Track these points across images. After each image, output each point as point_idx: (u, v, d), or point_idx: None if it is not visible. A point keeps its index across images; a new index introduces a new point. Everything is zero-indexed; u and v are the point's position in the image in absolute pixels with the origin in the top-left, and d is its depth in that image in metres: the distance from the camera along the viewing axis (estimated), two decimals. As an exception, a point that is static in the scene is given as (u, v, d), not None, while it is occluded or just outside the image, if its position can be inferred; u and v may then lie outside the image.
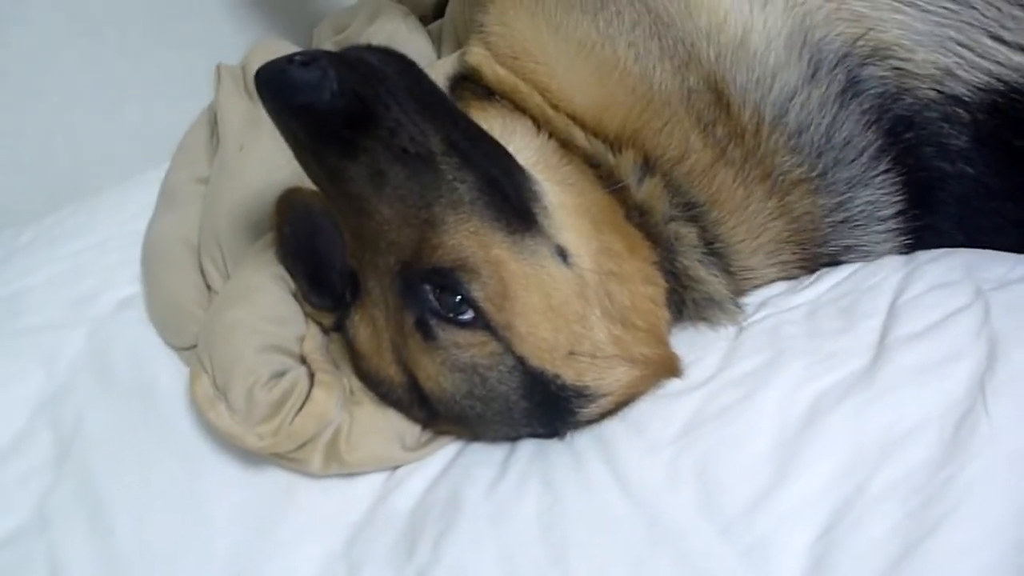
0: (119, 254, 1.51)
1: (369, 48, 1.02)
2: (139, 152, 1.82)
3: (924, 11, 1.17)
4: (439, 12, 1.77)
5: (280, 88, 0.94)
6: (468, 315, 1.05)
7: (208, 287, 1.33)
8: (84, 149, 1.89)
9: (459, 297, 1.04)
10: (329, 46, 1.68)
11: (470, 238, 1.04)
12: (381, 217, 1.03)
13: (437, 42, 1.63)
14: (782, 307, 1.23)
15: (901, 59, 1.19)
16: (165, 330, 1.32)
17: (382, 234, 1.05)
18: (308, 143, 1.00)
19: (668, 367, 1.15)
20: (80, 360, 1.35)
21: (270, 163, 1.35)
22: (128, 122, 1.92)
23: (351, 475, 1.16)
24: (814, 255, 1.28)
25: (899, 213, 1.23)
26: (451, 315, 1.05)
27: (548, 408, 1.11)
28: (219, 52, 1.87)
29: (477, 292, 1.04)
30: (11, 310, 1.44)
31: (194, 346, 1.27)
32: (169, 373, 1.29)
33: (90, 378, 1.32)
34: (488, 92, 1.32)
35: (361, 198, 1.02)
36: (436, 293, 1.05)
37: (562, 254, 1.10)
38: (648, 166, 1.20)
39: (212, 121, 1.54)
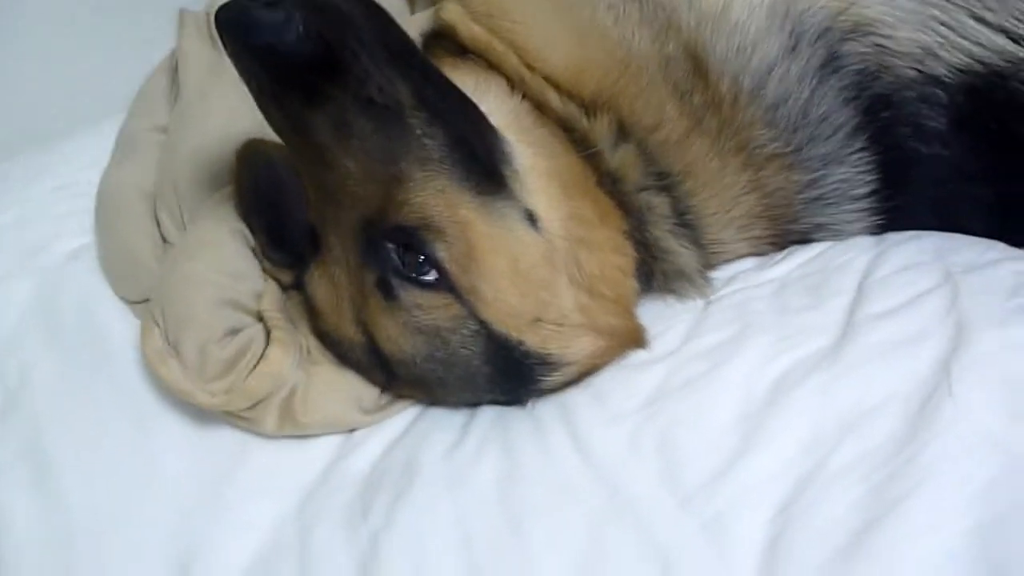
0: (71, 203, 1.46)
1: (339, -8, 0.98)
2: (96, 101, 1.76)
3: (909, -12, 1.16)
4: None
5: (241, 28, 0.90)
6: (431, 276, 1.02)
7: (163, 239, 1.29)
8: (40, 96, 1.83)
9: (423, 257, 1.02)
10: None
11: (437, 197, 1.01)
12: (345, 170, 1.00)
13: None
14: (751, 282, 1.23)
15: (883, 36, 1.17)
16: (118, 282, 1.28)
17: (345, 188, 1.01)
18: (269, 88, 0.96)
19: (634, 338, 1.14)
20: (27, 311, 1.30)
21: (232, 112, 1.30)
22: (86, 70, 1.87)
23: (306, 437, 1.13)
24: (785, 231, 1.27)
25: (872, 193, 1.22)
26: (414, 275, 1.02)
27: (511, 375, 1.09)
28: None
29: (442, 253, 1.01)
30: (-44, 259, 1.39)
31: (146, 299, 1.23)
32: (120, 327, 1.25)
33: (38, 330, 1.27)
34: (462, 51, 1.29)
35: (324, 149, 0.99)
36: (399, 252, 1.02)
37: (531, 218, 1.08)
38: (622, 132, 1.18)
39: (173, 68, 1.49)
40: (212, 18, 1.40)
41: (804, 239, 1.27)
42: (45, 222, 1.44)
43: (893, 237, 1.24)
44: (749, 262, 1.30)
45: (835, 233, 1.26)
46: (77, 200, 1.46)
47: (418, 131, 1.00)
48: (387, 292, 1.03)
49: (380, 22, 0.98)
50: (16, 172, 1.55)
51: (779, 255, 1.28)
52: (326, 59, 0.93)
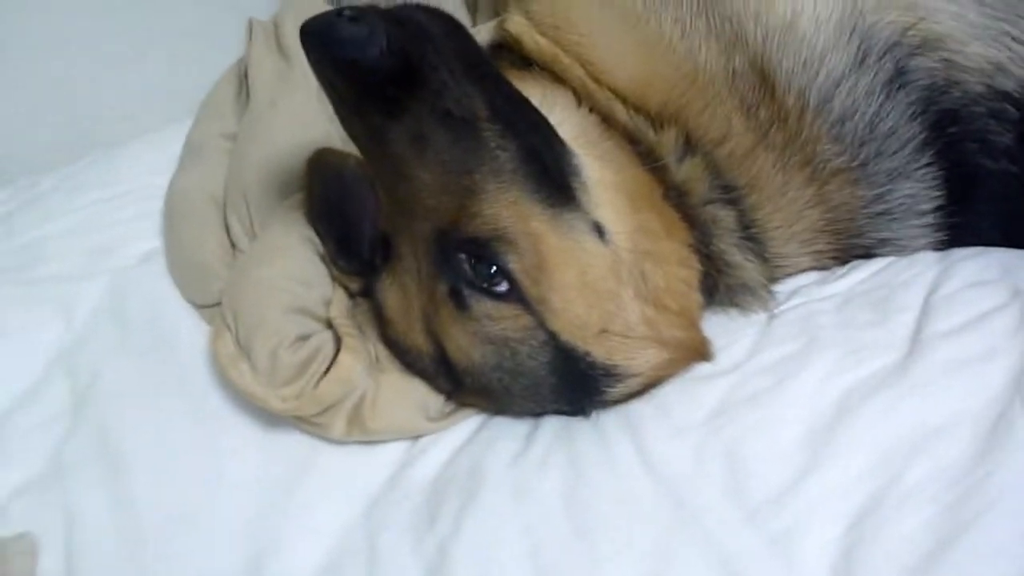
0: (139, 207, 1.49)
1: (418, 7, 0.99)
2: (160, 106, 1.80)
3: (979, 3, 1.15)
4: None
5: (327, 42, 0.92)
6: (503, 287, 1.03)
7: (233, 244, 1.31)
8: (104, 101, 1.85)
9: (495, 268, 1.02)
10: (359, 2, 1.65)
11: (509, 208, 1.02)
12: (420, 181, 1.01)
13: (472, 9, 1.60)
14: (814, 296, 1.22)
15: (952, 51, 1.16)
16: (187, 286, 1.30)
17: (420, 199, 1.02)
18: (351, 100, 0.98)
19: (699, 351, 1.14)
20: (98, 312, 1.33)
21: (301, 121, 1.33)
22: (150, 75, 1.88)
23: (372, 442, 1.14)
24: (848, 246, 1.26)
25: (938, 208, 1.21)
26: (485, 286, 1.03)
27: (576, 385, 1.09)
28: (245, 7, 1.84)
29: (514, 264, 1.02)
30: (29, 258, 1.43)
31: (215, 304, 1.26)
32: (189, 330, 1.28)
33: (108, 330, 1.30)
34: (527, 63, 1.30)
35: (401, 160, 1.00)
36: (471, 263, 1.03)
37: (599, 230, 1.08)
38: (689, 146, 1.18)
39: (241, 76, 1.51)
40: (281, 28, 1.45)
41: (867, 254, 1.26)
42: (114, 225, 1.47)
43: (958, 253, 1.22)
44: (811, 276, 1.28)
45: (899, 248, 1.25)
46: (145, 204, 1.49)
47: (492, 143, 1.02)
48: (459, 302, 1.04)
49: (458, 36, 1.00)
50: (85, 176, 1.59)
51: (841, 269, 1.27)
52: (406, 72, 0.95)
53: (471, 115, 1.00)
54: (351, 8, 0.92)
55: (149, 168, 1.55)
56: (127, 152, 1.63)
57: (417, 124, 0.98)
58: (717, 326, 1.20)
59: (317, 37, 0.93)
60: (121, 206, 1.50)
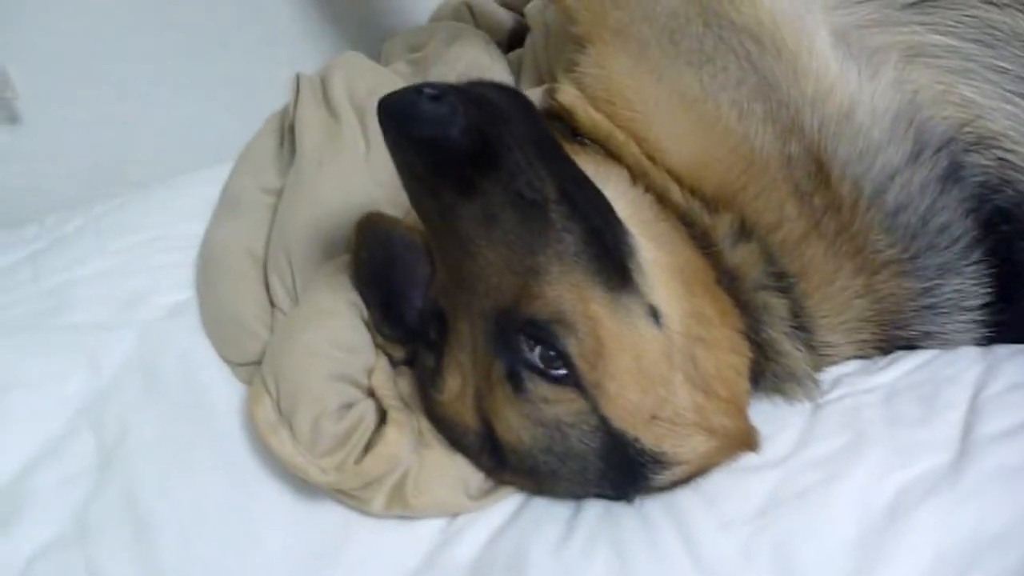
0: (171, 255, 1.47)
1: (492, 84, 0.99)
2: (194, 150, 1.79)
3: (1036, 103, 1.15)
4: (515, 41, 1.74)
5: (407, 119, 0.91)
6: (561, 371, 1.01)
7: (272, 303, 1.29)
8: (139, 141, 1.84)
9: (553, 352, 1.01)
10: (404, 65, 1.64)
11: (571, 291, 1.01)
12: (485, 260, 1.00)
13: (515, 71, 1.60)
14: (858, 387, 1.20)
15: (1006, 150, 1.16)
16: (222, 343, 1.28)
17: (483, 277, 1.01)
18: (426, 177, 0.96)
19: (746, 440, 1.12)
20: (127, 364, 1.30)
21: (348, 183, 1.32)
22: (181, 119, 1.88)
23: (411, 518, 1.11)
24: (892, 337, 1.25)
25: (985, 305, 1.20)
26: (544, 369, 1.01)
27: (623, 471, 1.07)
28: (283, 58, 1.86)
29: (573, 348, 1.01)
30: (55, 303, 1.39)
31: (251, 363, 1.24)
32: (223, 389, 1.25)
33: (137, 384, 1.27)
34: (574, 134, 1.28)
35: (469, 239, 0.99)
36: (530, 344, 1.01)
37: (654, 314, 1.07)
38: (743, 231, 1.17)
39: (283, 130, 1.50)
40: (328, 85, 1.44)
41: (909, 345, 1.25)
42: (143, 274, 1.44)
43: (1001, 351, 1.21)
44: (853, 365, 1.27)
45: (942, 342, 1.24)
46: (175, 253, 1.47)
47: (559, 226, 1.00)
48: (516, 384, 1.02)
49: (530, 118, 0.99)
50: (116, 217, 1.56)
51: (884, 359, 1.26)
52: (483, 153, 0.94)
53: (541, 197, 0.99)
54: (431, 85, 0.90)
55: (180, 214, 1.53)
56: (159, 195, 1.61)
57: (489, 205, 0.97)
58: (760, 414, 1.18)
59: (397, 114, 0.92)
60: (152, 252, 1.47)
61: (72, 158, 1.77)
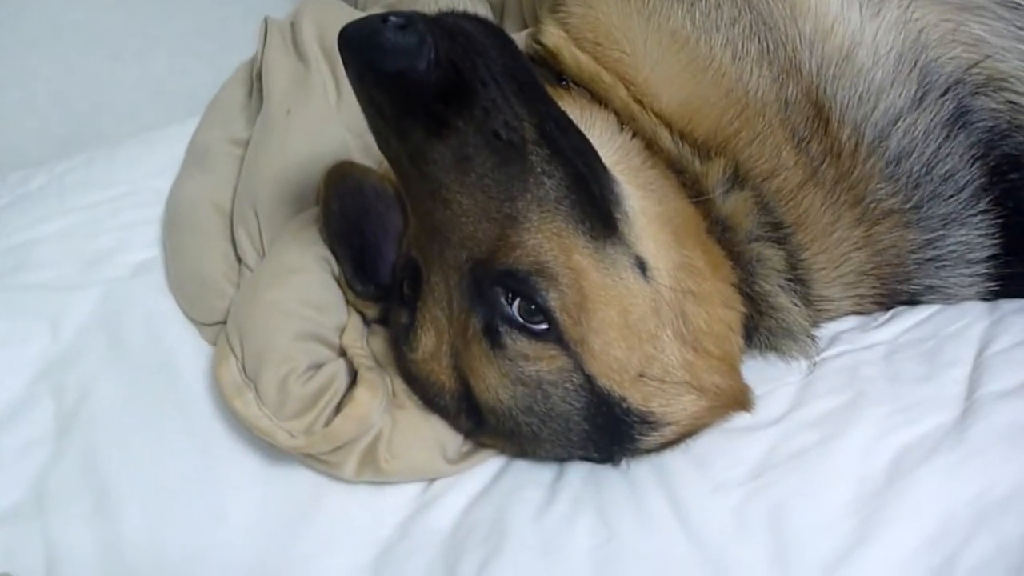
0: (137, 212, 1.39)
1: (465, 15, 0.91)
2: (161, 105, 1.74)
3: (1051, 43, 1.08)
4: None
5: (371, 51, 0.84)
6: (541, 325, 0.95)
7: (239, 260, 1.22)
8: (103, 96, 1.78)
9: (534, 305, 0.94)
10: (378, 9, 1.56)
11: (552, 240, 0.94)
12: (459, 207, 0.93)
13: (498, 16, 1.52)
14: (857, 344, 1.15)
15: (1017, 92, 1.10)
16: (188, 302, 1.22)
17: (457, 226, 0.94)
18: (392, 116, 0.89)
19: (739, 400, 1.06)
20: (89, 325, 1.23)
21: (319, 131, 1.25)
22: (152, 72, 1.82)
23: (384, 483, 1.06)
24: (893, 291, 1.19)
25: (991, 257, 1.15)
26: (523, 323, 0.95)
27: (608, 432, 1.02)
28: (256, 5, 1.78)
29: (554, 301, 0.94)
30: (16, 262, 1.32)
31: (218, 323, 1.18)
32: (188, 351, 1.18)
33: (100, 346, 1.21)
34: (560, 78, 1.21)
35: (441, 184, 0.92)
36: (508, 297, 0.95)
37: (641, 266, 1.01)
38: (736, 178, 1.11)
39: (252, 78, 1.42)
40: (298, 29, 1.37)
41: (911, 300, 1.20)
42: (109, 231, 1.37)
43: (1008, 305, 1.16)
44: (851, 321, 1.22)
45: (946, 296, 1.19)
46: (143, 209, 1.39)
47: (538, 169, 0.94)
48: (494, 339, 0.96)
49: (508, 51, 0.92)
50: (80, 175, 1.48)
51: (884, 316, 1.20)
52: (455, 88, 0.87)
53: (519, 138, 0.92)
54: (397, 14, 0.83)
55: (149, 170, 1.45)
56: (126, 151, 1.52)
57: (463, 145, 0.90)
58: (754, 372, 1.13)
59: (359, 45, 0.84)
60: (118, 210, 1.40)
61: (36, 114, 1.71)
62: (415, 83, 0.85)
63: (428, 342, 1.02)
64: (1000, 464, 0.94)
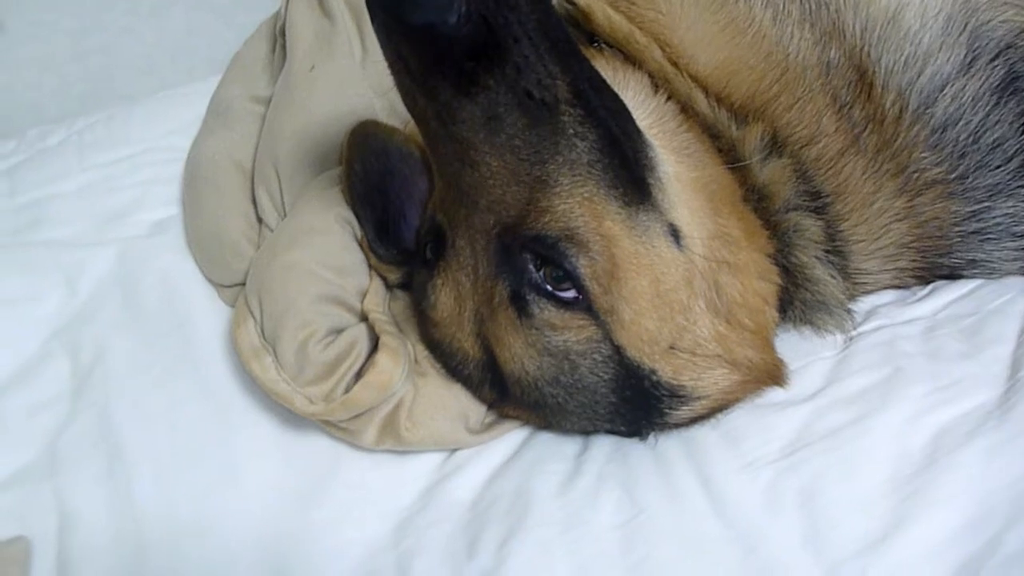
0: (156, 170, 1.38)
1: (498, -31, 0.86)
2: (180, 63, 1.72)
3: (1109, 5, 1.03)
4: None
5: (399, 3, 0.80)
6: (570, 293, 0.92)
7: (259, 219, 1.20)
8: (121, 53, 1.76)
9: (562, 272, 0.91)
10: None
11: (583, 205, 0.91)
12: (488, 169, 0.90)
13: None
14: (895, 319, 1.12)
15: (1072, 58, 1.04)
16: (206, 262, 1.19)
17: (485, 188, 0.91)
18: (420, 73, 0.85)
19: (772, 374, 1.03)
20: (106, 283, 1.23)
21: (343, 88, 1.22)
22: (171, 29, 1.79)
23: (405, 453, 1.03)
24: (933, 265, 1.15)
25: (1038, 231, 1.09)
26: (551, 291, 0.92)
27: (637, 405, 0.99)
28: (280, -38, 1.72)
29: (584, 269, 0.91)
30: (33, 218, 1.32)
31: (237, 284, 1.15)
32: (205, 310, 1.17)
33: (116, 305, 1.20)
34: (592, 38, 1.17)
35: (469, 144, 0.88)
36: (537, 264, 0.92)
37: (675, 234, 0.97)
38: (775, 145, 1.07)
39: (275, 34, 1.39)
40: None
41: (952, 275, 1.16)
42: (127, 188, 1.36)
43: (1055, 281, 1.11)
44: (888, 295, 1.18)
45: (988, 271, 1.15)
46: (163, 167, 1.38)
47: (571, 130, 0.90)
48: (520, 308, 0.93)
49: (542, 7, 0.87)
50: (99, 132, 1.47)
51: (923, 290, 1.17)
52: (486, 44, 0.83)
53: (552, 98, 0.88)
54: (425, -35, 0.79)
55: (170, 128, 1.44)
56: (147, 108, 1.51)
57: (493, 104, 0.86)
58: (788, 346, 1.09)
59: None
60: (137, 167, 1.38)
61: (55, 70, 1.69)
62: (444, 38, 0.81)
63: (447, 304, 0.99)
64: (1046, 446, 0.89)
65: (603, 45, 1.17)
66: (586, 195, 0.91)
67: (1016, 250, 1.13)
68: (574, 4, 1.20)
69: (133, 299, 1.19)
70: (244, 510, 1.00)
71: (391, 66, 0.87)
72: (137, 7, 1.75)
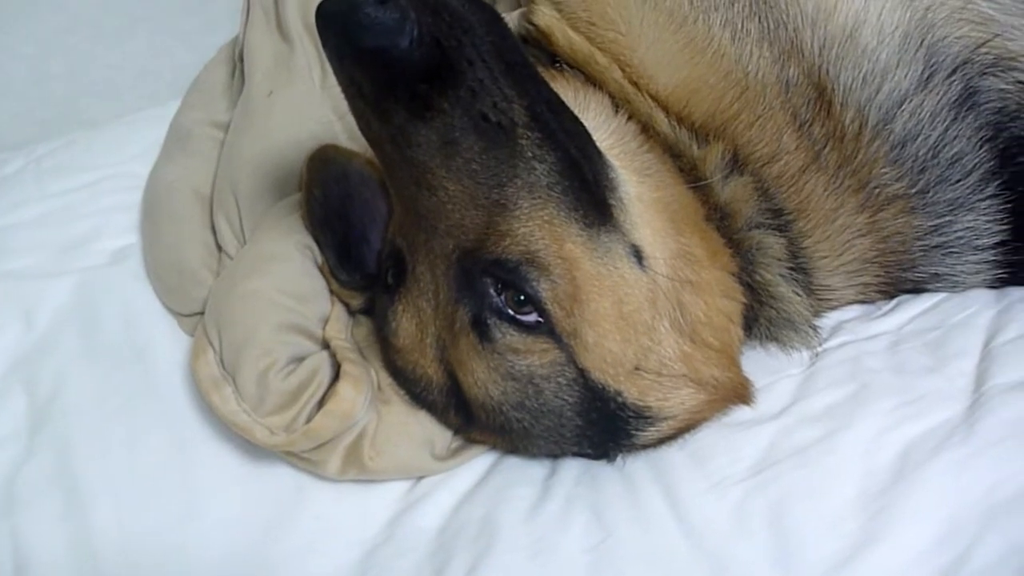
0: (116, 197, 1.36)
1: (451, -10, 0.86)
2: (143, 87, 1.69)
3: (1061, 22, 1.04)
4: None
5: (350, 27, 0.79)
6: (532, 317, 0.92)
7: (219, 247, 1.19)
8: (83, 78, 1.73)
9: (523, 296, 0.90)
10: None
11: (543, 228, 0.90)
12: (446, 193, 0.89)
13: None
14: (860, 335, 1.12)
15: (1027, 72, 1.05)
16: (165, 292, 1.18)
17: (443, 213, 0.90)
18: (373, 97, 0.85)
19: (738, 393, 1.03)
20: (64, 315, 1.20)
21: (302, 113, 1.21)
22: (133, 53, 1.76)
23: (370, 482, 1.02)
24: (897, 280, 1.16)
25: (999, 244, 1.11)
26: (513, 315, 0.91)
27: (603, 427, 0.99)
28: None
29: (546, 292, 0.91)
30: (-11, 249, 1.28)
31: (197, 313, 1.13)
32: (166, 340, 1.15)
33: (74, 337, 1.17)
34: (553, 60, 1.17)
35: (426, 168, 0.88)
36: (498, 288, 0.91)
37: (637, 255, 0.97)
38: (736, 163, 1.07)
39: (233, 59, 1.38)
40: (282, 7, 1.32)
41: (916, 288, 1.17)
42: (87, 217, 1.33)
43: (1016, 293, 1.13)
44: (853, 310, 1.18)
45: (952, 284, 1.15)
46: (122, 194, 1.36)
47: (529, 153, 0.89)
48: (482, 332, 0.92)
49: (497, 28, 0.87)
50: (59, 158, 1.45)
51: (887, 305, 1.17)
52: (440, 67, 0.82)
53: (509, 121, 0.87)
54: (377, -12, 0.78)
55: (130, 153, 1.42)
56: (107, 134, 1.50)
57: (448, 128, 0.86)
58: (754, 364, 1.09)
59: (338, 21, 0.80)
60: (97, 195, 1.36)
61: (15, 95, 1.66)
62: (397, 61, 0.81)
63: (409, 330, 0.98)
64: (1010, 460, 0.91)
65: (564, 66, 1.17)
66: (546, 218, 0.91)
67: (978, 263, 1.14)
68: (534, 25, 1.20)
69: (92, 330, 1.17)
70: (206, 543, 0.99)
71: (344, 90, 0.87)
72: (99, 31, 1.72)
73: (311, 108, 1.21)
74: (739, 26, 1.08)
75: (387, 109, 0.85)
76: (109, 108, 1.64)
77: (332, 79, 1.17)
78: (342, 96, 0.91)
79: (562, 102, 0.95)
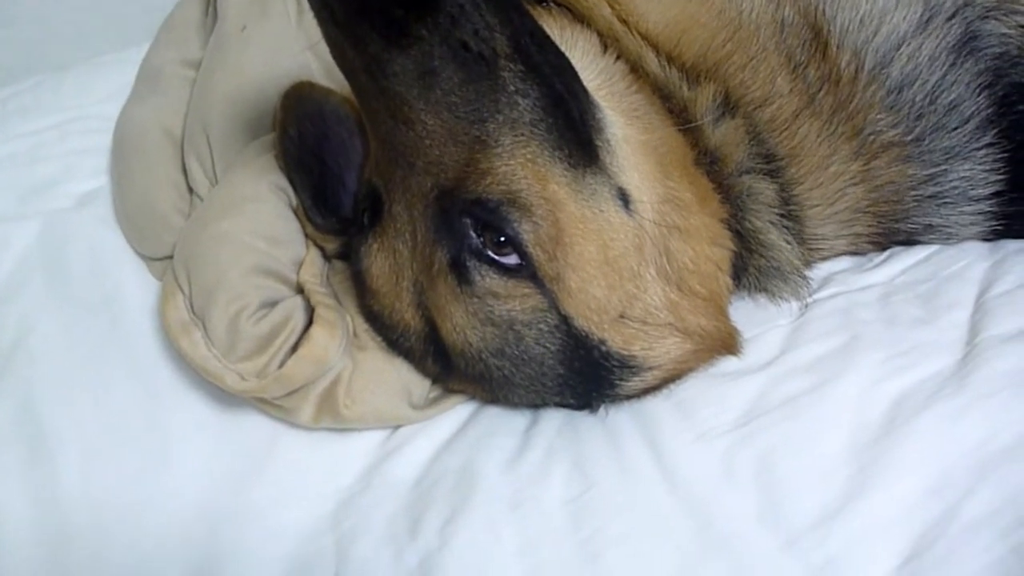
0: (84, 139, 1.32)
1: (432, -88, 0.82)
2: (114, 28, 1.64)
3: (1068, -38, 1.02)
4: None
5: None
6: (513, 259, 0.88)
7: (190, 189, 1.15)
8: (52, 19, 1.67)
9: (504, 237, 0.87)
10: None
11: (526, 167, 0.87)
12: (423, 128, 0.85)
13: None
14: (851, 286, 1.11)
15: (1031, 16, 1.03)
16: (134, 235, 1.15)
17: (421, 149, 0.86)
18: (347, 23, 0.80)
19: (725, 343, 1.01)
20: (29, 259, 1.17)
21: (276, 49, 1.17)
22: (102, -4, 1.70)
23: (345, 430, 1.00)
24: (890, 230, 1.14)
25: (995, 195, 1.09)
26: (493, 257, 0.88)
27: (586, 377, 0.96)
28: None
29: (527, 234, 0.87)
30: (-50, 193, 1.24)
31: (167, 257, 1.10)
32: (135, 287, 1.12)
33: (40, 281, 1.14)
34: (539, -3, 1.13)
35: (402, 101, 0.84)
36: (478, 229, 0.88)
37: (624, 198, 0.94)
38: (727, 105, 1.04)
39: (207, -5, 1.32)
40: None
41: (909, 240, 1.15)
42: (54, 159, 1.30)
43: (1011, 245, 1.11)
44: (845, 262, 1.17)
45: (945, 236, 1.14)
46: (91, 136, 1.32)
47: (511, 87, 0.85)
48: (460, 275, 0.89)
49: None
50: (26, 99, 1.41)
51: (879, 256, 1.16)
52: None
53: (490, 51, 0.83)
54: (351, -92, 0.74)
55: (99, 95, 1.38)
56: (75, 76, 1.46)
57: (426, 57, 0.82)
58: (743, 314, 1.07)
59: None
60: (63, 137, 1.33)
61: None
62: None
63: (384, 272, 0.95)
64: (1003, 412, 0.90)
65: (551, 3, 1.13)
66: (529, 156, 0.87)
67: (973, 214, 1.12)
68: (520, -42, 1.15)
69: (58, 275, 1.14)
70: (176, 493, 0.96)
71: (317, 15, 0.83)
72: (68, -28, 1.67)
73: (286, 43, 1.17)
74: None
75: (361, 36, 0.81)
76: (79, 52, 1.60)
77: (310, 14, 1.14)
78: (319, 31, 0.87)
79: (547, 35, 0.91)
